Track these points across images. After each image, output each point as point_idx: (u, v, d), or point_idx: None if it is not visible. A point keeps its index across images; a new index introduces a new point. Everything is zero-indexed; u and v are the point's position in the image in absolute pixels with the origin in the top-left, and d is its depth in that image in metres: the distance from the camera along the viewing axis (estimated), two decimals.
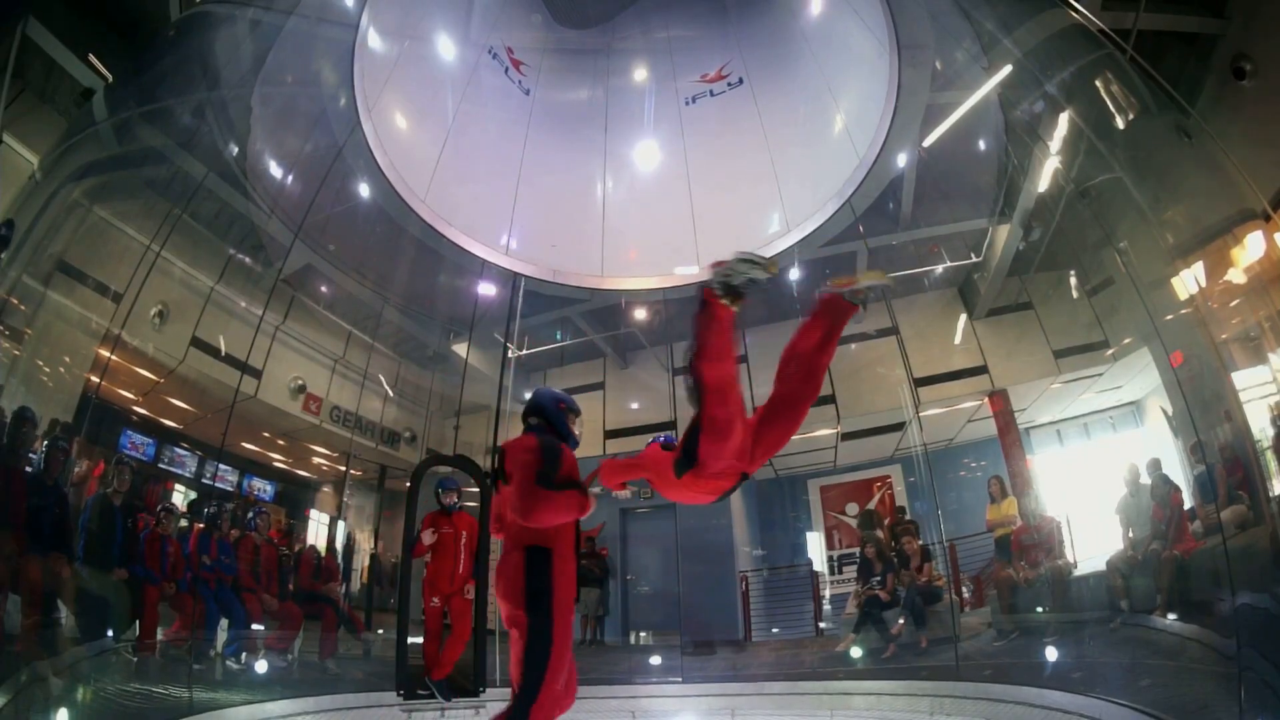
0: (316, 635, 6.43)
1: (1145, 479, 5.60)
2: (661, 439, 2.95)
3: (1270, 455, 4.25)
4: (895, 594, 6.75)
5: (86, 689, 4.37)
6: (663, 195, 8.45)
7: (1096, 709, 4.20)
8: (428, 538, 5.81)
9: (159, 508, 5.87)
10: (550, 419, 2.92)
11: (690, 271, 8.47)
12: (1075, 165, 5.81)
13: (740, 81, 8.20)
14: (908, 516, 8.45)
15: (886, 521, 8.09)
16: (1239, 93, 5.63)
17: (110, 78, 5.79)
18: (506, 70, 8.06)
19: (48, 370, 5.32)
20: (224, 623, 5.83)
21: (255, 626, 5.99)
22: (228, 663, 5.73)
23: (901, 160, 7.28)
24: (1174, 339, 5.04)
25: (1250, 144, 5.32)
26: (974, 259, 8.02)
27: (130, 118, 5.66)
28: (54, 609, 4.45)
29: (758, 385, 9.35)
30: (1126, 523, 5.65)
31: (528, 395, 3.03)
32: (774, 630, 9.05)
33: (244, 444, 8.05)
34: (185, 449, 6.92)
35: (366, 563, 8.44)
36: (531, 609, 2.52)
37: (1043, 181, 6.50)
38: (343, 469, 8.98)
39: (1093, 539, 6.32)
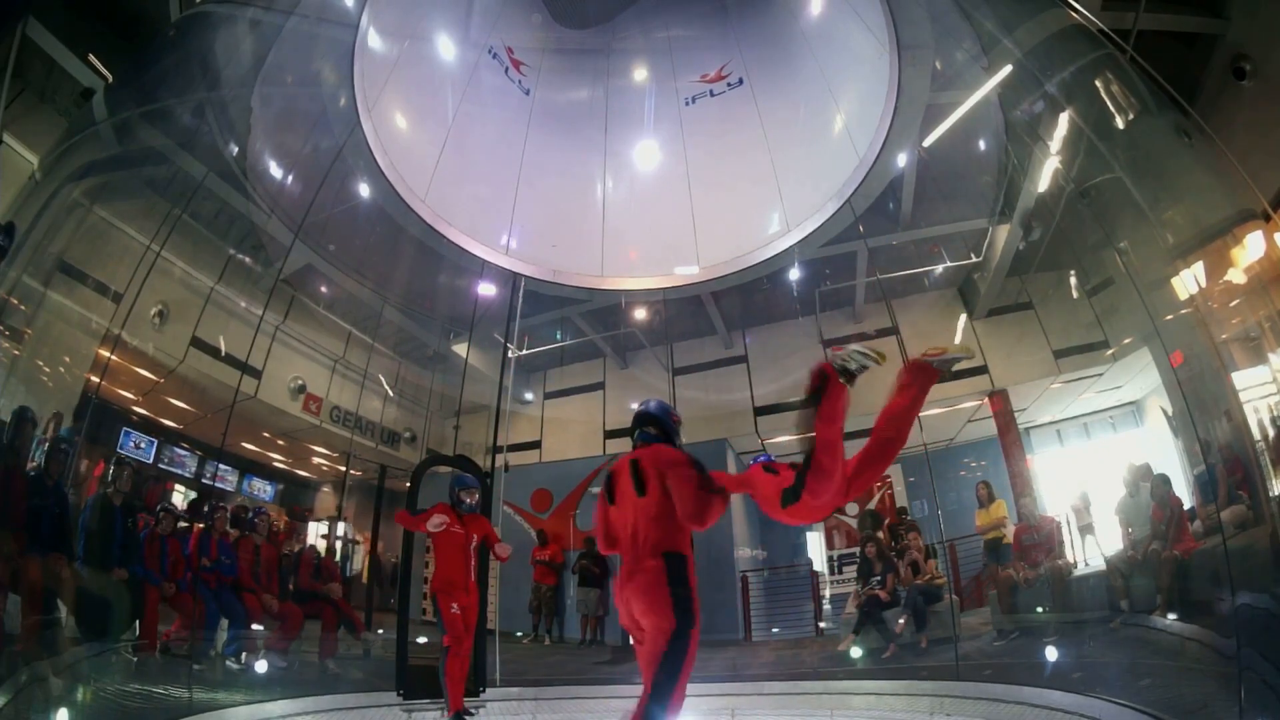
0: (316, 635, 6.43)
1: (1143, 482, 5.61)
2: (763, 459, 3.11)
3: (1270, 455, 4.25)
4: (895, 594, 6.75)
5: (86, 689, 4.37)
6: (663, 195, 8.45)
7: (1096, 709, 4.19)
8: (434, 524, 4.96)
9: (159, 508, 5.87)
10: (667, 430, 3.05)
11: (690, 271, 8.48)
12: (1075, 165, 5.81)
13: (740, 82, 8.20)
14: (908, 516, 8.45)
15: (886, 521, 8.08)
16: (1239, 93, 5.63)
17: (110, 78, 5.79)
18: (506, 70, 8.06)
19: (48, 370, 5.32)
20: (224, 623, 5.83)
21: (255, 626, 5.99)
22: (228, 663, 5.72)
23: (901, 160, 7.28)
24: (1174, 339, 5.04)
25: (1250, 144, 5.33)
26: (974, 259, 8.03)
27: (130, 118, 5.65)
28: (54, 609, 4.45)
29: (758, 386, 9.40)
30: (1126, 523, 5.66)
31: (645, 406, 3.10)
32: (774, 630, 9.06)
33: (244, 444, 8.06)
34: (185, 449, 6.93)
35: (366, 563, 8.45)
36: (682, 613, 2.59)
37: (1043, 181, 6.50)
38: (343, 469, 8.99)
39: (1093, 539, 6.33)
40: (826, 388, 2.67)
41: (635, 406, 3.14)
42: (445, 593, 5.04)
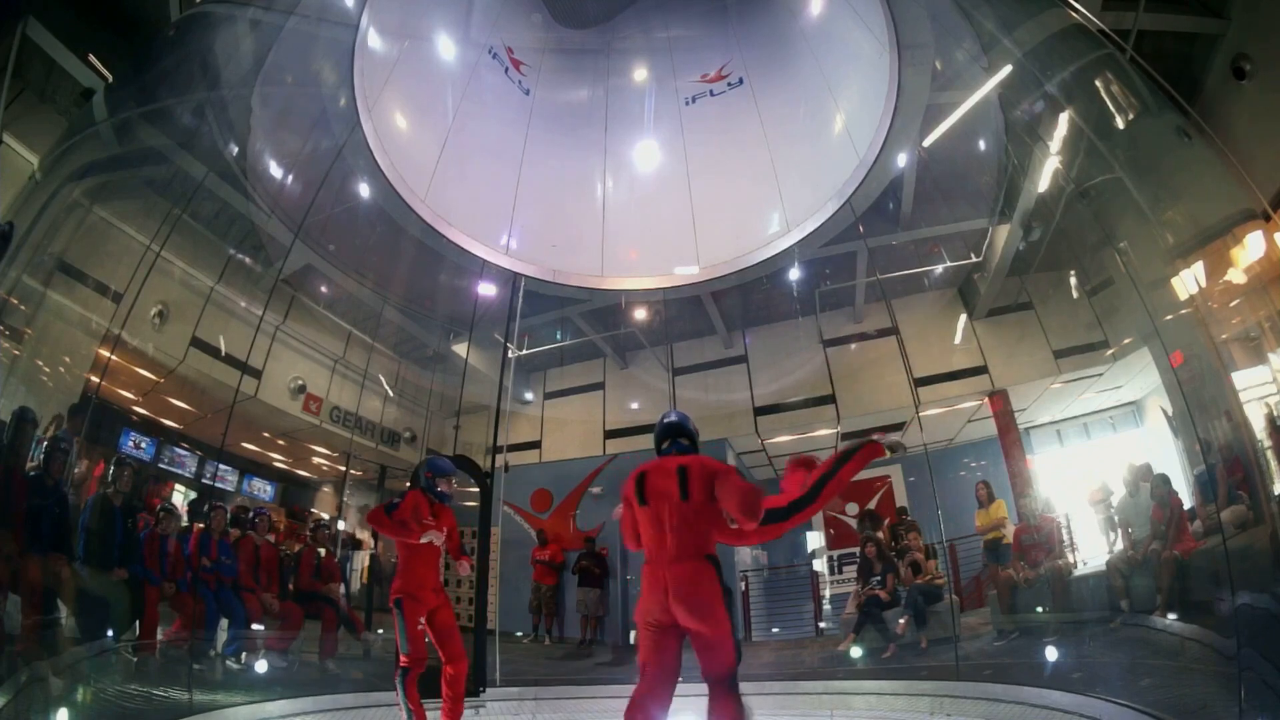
0: (316, 635, 6.43)
1: (1143, 482, 5.61)
2: None
3: (1270, 455, 4.25)
4: (895, 594, 6.75)
5: (86, 689, 4.37)
6: (663, 195, 8.45)
7: (1096, 709, 4.19)
8: (429, 539, 4.17)
9: (159, 508, 5.87)
10: (694, 441, 3.25)
11: (690, 272, 8.48)
12: (1075, 165, 5.81)
13: (740, 81, 8.20)
14: (908, 516, 8.45)
15: (886, 521, 8.09)
16: (1239, 93, 5.63)
17: (110, 78, 5.78)
18: (506, 70, 8.07)
19: (48, 370, 5.32)
20: (224, 623, 5.83)
21: (255, 626, 5.99)
22: (228, 663, 5.72)
23: (901, 160, 7.28)
24: (1174, 339, 5.04)
25: (1250, 144, 5.33)
26: (974, 259, 8.03)
27: (130, 118, 5.65)
28: (54, 609, 4.45)
29: (758, 386, 9.40)
30: (1126, 523, 5.66)
31: (670, 418, 3.27)
32: (774, 630, 9.07)
33: (244, 444, 8.05)
34: (185, 449, 6.92)
35: (366, 563, 8.45)
36: (729, 609, 2.80)
37: (1043, 181, 6.50)
38: (343, 469, 8.99)
39: (1092, 539, 6.33)
40: (871, 452, 3.28)
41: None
42: (414, 599, 4.21)
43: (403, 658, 4.21)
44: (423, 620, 4.26)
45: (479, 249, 8.06)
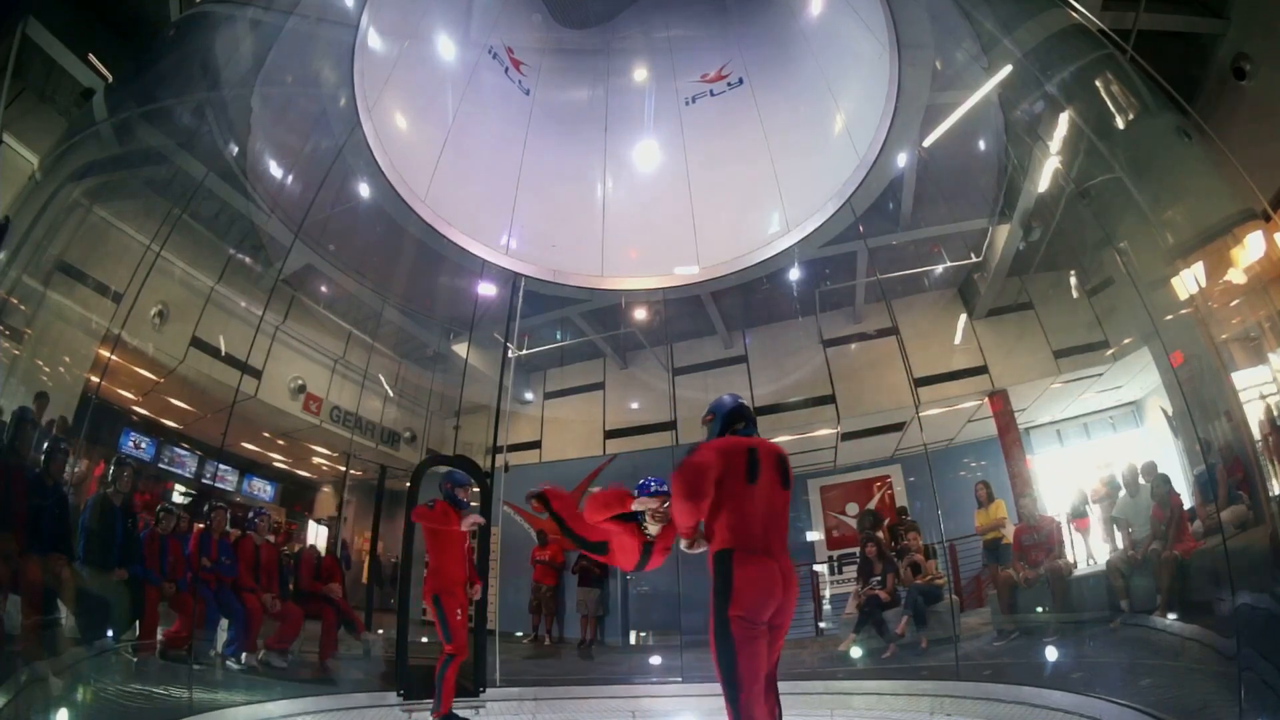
0: (316, 635, 6.43)
1: (1142, 481, 5.61)
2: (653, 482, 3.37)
3: (1270, 455, 4.25)
4: (895, 594, 6.76)
5: (86, 689, 4.37)
6: (663, 195, 8.45)
7: (1096, 709, 4.20)
8: (469, 525, 4.82)
9: (159, 508, 5.87)
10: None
11: (690, 272, 8.48)
12: (1075, 165, 5.80)
13: (740, 81, 8.20)
14: (908, 516, 8.45)
15: (886, 521, 8.08)
16: (1239, 93, 5.63)
17: (110, 78, 5.79)
18: (506, 70, 8.07)
19: (48, 370, 5.32)
20: (224, 623, 5.83)
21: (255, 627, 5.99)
22: (228, 663, 5.73)
23: (901, 160, 7.28)
24: (1174, 339, 5.04)
25: (1250, 144, 5.33)
26: (974, 259, 8.02)
27: (130, 118, 5.66)
28: (54, 609, 4.45)
29: (758, 386, 9.40)
30: (1126, 523, 5.66)
31: (741, 400, 3.16)
32: None
33: (244, 444, 8.05)
34: (185, 449, 6.92)
35: (367, 563, 8.44)
36: None
37: (1043, 181, 6.50)
38: (343, 469, 8.98)
39: (1092, 539, 6.33)
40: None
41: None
42: (450, 594, 4.82)
43: (447, 647, 4.72)
44: (460, 611, 4.79)
45: (479, 249, 8.06)
